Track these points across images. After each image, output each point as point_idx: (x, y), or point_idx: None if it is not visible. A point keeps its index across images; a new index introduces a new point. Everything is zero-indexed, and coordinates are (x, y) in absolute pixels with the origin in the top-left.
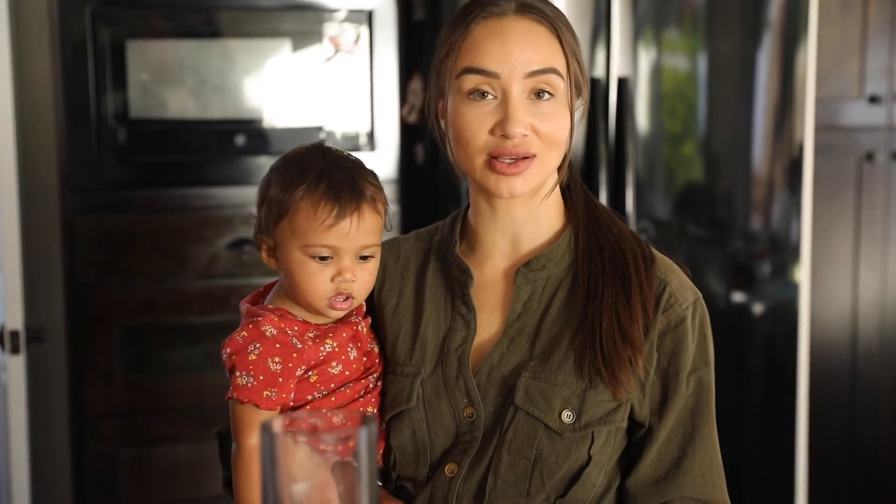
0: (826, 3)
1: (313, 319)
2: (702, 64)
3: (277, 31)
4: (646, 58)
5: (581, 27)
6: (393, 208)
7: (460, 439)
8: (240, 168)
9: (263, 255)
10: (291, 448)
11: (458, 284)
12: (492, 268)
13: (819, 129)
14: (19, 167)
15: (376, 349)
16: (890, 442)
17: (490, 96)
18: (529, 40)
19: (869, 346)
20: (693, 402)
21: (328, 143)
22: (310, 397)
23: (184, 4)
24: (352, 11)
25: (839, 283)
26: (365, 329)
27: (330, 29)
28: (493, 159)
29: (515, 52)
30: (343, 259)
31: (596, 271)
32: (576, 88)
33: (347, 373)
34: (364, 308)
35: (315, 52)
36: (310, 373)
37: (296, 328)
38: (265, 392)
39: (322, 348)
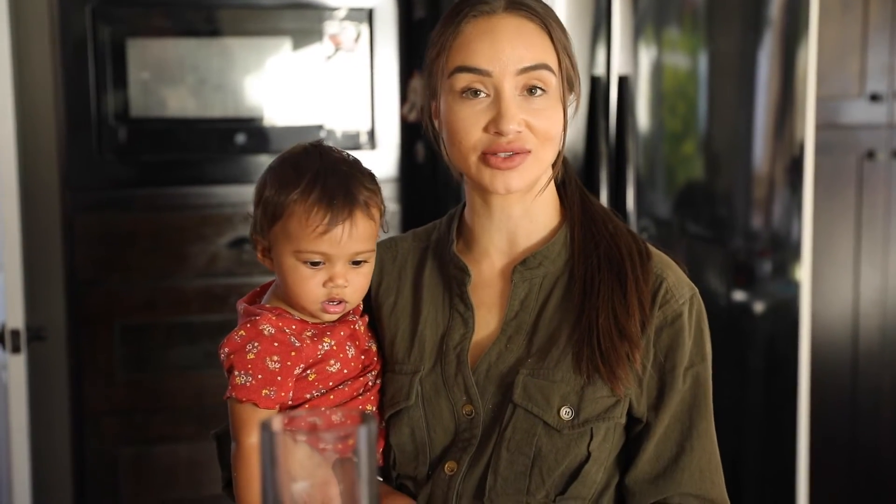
0: (827, 2)
1: (310, 318)
2: (702, 62)
3: (278, 29)
4: (646, 56)
5: (581, 25)
6: (393, 207)
7: (459, 437)
8: (240, 167)
9: (259, 255)
10: (291, 446)
11: (455, 282)
12: (489, 266)
13: (820, 127)
14: (20, 166)
15: (374, 347)
16: (891, 440)
17: (483, 94)
18: (520, 37)
19: (870, 344)
20: (690, 397)
21: (329, 142)
22: (308, 396)
23: (184, 3)
24: (352, 10)
25: (840, 281)
26: (362, 327)
27: (330, 27)
28: (487, 155)
29: (507, 50)
30: (335, 265)
31: (592, 268)
32: (568, 84)
33: (346, 371)
34: (361, 306)
35: (315, 51)
36: (308, 371)
37: (293, 327)
38: (264, 391)
39: (320, 346)
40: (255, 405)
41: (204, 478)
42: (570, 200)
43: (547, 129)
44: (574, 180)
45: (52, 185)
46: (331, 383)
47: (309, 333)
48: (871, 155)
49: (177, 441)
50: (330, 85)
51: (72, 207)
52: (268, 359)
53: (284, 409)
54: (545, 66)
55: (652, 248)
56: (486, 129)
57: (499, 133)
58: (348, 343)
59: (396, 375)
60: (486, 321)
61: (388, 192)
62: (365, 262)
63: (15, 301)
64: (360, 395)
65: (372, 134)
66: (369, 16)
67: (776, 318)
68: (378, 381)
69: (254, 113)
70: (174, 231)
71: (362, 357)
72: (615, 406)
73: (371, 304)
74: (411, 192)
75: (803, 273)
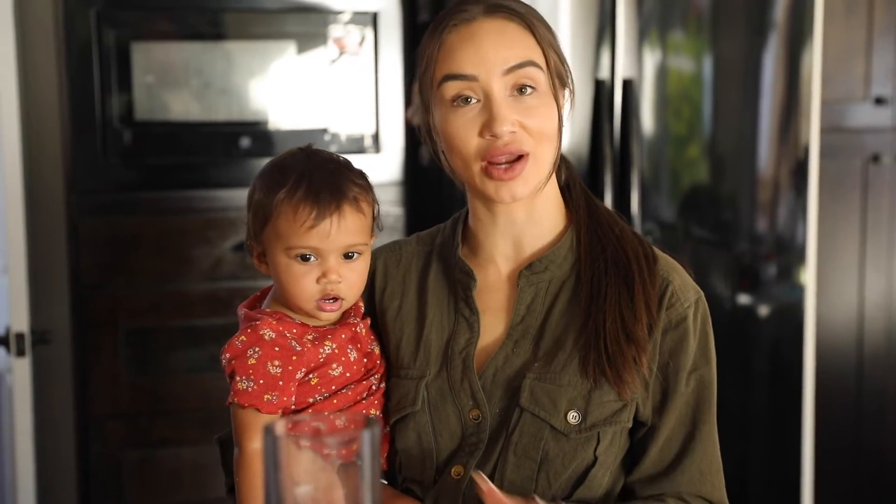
0: (831, 5)
1: (311, 322)
2: (707, 66)
3: (282, 33)
4: (651, 59)
5: (586, 29)
6: (398, 210)
7: (466, 441)
8: (244, 170)
9: (255, 261)
10: (294, 451)
11: (461, 287)
12: (494, 271)
13: (825, 130)
14: (25, 169)
15: (377, 350)
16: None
17: (473, 100)
18: (502, 38)
19: (875, 348)
20: (694, 400)
21: (333, 146)
22: (311, 400)
23: (188, 6)
24: (356, 13)
25: (845, 285)
26: (364, 330)
27: (335, 31)
28: (489, 166)
29: (490, 52)
30: (328, 260)
31: (599, 271)
32: (559, 79)
33: (348, 374)
34: (362, 309)
35: (320, 54)
36: (310, 375)
37: (294, 331)
38: (266, 396)
39: (321, 350)
40: (258, 410)
41: (208, 481)
42: (576, 203)
43: (541, 126)
44: (578, 183)
45: (57, 189)
46: (333, 387)
47: (310, 337)
48: (875, 158)
49: (181, 444)
50: (334, 88)
51: (76, 211)
52: (269, 363)
53: (287, 413)
54: (531, 63)
55: (658, 252)
56: (481, 134)
57: (494, 136)
58: (350, 346)
59: (402, 380)
60: (492, 326)
61: (393, 196)
62: (358, 256)
63: (20, 304)
64: (364, 399)
65: (376, 137)
66: (374, 19)
67: (781, 322)
68: (382, 385)
69: (258, 116)
70: (179, 234)
71: (365, 360)
72: (622, 410)
73: (375, 308)
74: (416, 196)
75: (808, 277)
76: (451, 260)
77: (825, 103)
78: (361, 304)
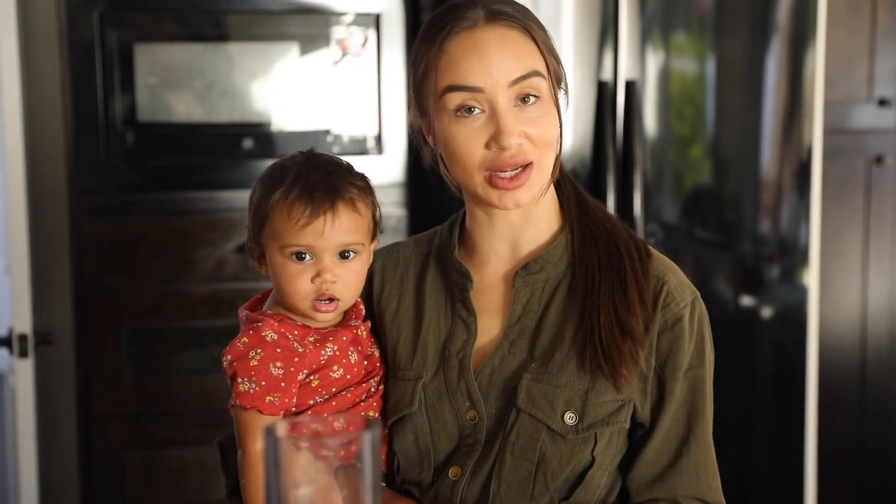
0: (834, 6)
1: (312, 324)
2: (710, 67)
3: (285, 34)
4: (653, 61)
5: (589, 30)
6: (400, 212)
7: (463, 442)
8: (247, 172)
9: (256, 262)
10: (294, 452)
11: (457, 288)
12: (491, 272)
13: (828, 132)
14: (28, 170)
15: (377, 353)
16: None
17: (477, 111)
18: (506, 48)
19: (878, 349)
20: (689, 401)
21: (336, 147)
22: (311, 402)
23: (192, 8)
24: (359, 15)
25: (848, 286)
26: (365, 333)
27: (337, 32)
28: (493, 176)
29: (495, 64)
30: (322, 259)
31: (592, 266)
32: (557, 81)
33: (349, 376)
34: (363, 312)
35: (323, 56)
36: (311, 377)
37: (296, 332)
38: (268, 397)
39: (323, 352)
40: (260, 412)
41: (211, 482)
42: (567, 199)
43: (544, 135)
44: (568, 179)
45: (60, 190)
46: (334, 389)
47: (311, 339)
48: (879, 160)
49: (184, 445)
50: (337, 90)
51: (79, 211)
52: (271, 365)
53: (288, 415)
54: (536, 73)
55: (653, 251)
56: (487, 146)
57: (501, 148)
58: (351, 348)
59: (399, 382)
60: (489, 326)
61: (395, 197)
62: (354, 256)
63: (22, 305)
64: (363, 401)
65: (379, 139)
66: (376, 21)
67: (784, 324)
68: (381, 387)
69: (261, 118)
70: (181, 235)
71: (365, 363)
72: (619, 410)
73: (373, 310)
74: (418, 197)
75: (811, 278)
76: (447, 261)
77: (828, 105)
78: (362, 306)
